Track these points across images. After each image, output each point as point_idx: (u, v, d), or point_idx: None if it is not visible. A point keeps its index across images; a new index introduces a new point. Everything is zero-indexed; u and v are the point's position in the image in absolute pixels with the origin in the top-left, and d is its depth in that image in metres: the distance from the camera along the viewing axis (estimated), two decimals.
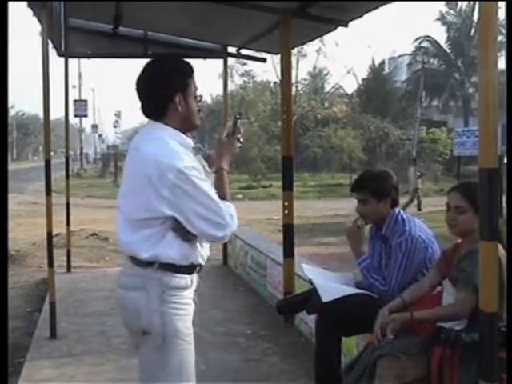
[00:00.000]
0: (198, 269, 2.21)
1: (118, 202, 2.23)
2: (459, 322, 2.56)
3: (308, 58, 40.34)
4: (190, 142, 2.23)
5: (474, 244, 2.62)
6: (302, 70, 55.27)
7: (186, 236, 2.12)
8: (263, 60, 7.83)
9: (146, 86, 2.21)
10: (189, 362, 2.18)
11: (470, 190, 2.70)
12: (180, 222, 2.08)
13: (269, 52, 6.98)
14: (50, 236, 4.71)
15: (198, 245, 2.17)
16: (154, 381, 2.19)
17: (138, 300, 2.11)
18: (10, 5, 3.02)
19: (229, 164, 2.30)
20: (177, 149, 2.11)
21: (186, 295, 2.16)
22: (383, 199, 3.20)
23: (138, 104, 2.29)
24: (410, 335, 2.66)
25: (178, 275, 2.13)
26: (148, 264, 2.10)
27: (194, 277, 2.20)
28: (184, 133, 2.22)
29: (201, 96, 2.28)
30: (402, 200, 14.85)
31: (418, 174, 17.39)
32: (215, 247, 8.03)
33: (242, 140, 2.34)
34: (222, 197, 2.15)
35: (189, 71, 2.24)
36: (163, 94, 2.17)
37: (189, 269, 2.16)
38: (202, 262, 2.21)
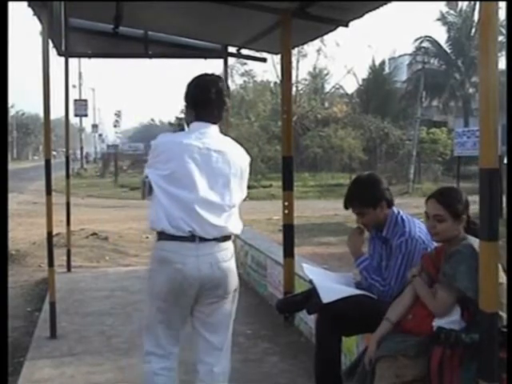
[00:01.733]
0: None
1: (205, 197, 2.65)
2: (459, 322, 2.56)
3: (308, 58, 40.13)
4: None
5: (455, 247, 2.63)
6: (302, 70, 55.10)
7: None
8: (263, 60, 7.82)
9: (224, 97, 2.76)
10: None
11: (447, 198, 2.71)
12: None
13: (269, 52, 6.97)
14: (50, 235, 4.71)
15: None
16: (231, 323, 2.86)
17: (234, 265, 2.79)
18: (10, 4, 3.03)
19: None
20: None
21: None
22: (378, 205, 3.18)
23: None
24: (408, 336, 2.66)
25: None
26: (230, 237, 2.76)
27: None
28: None
29: None
30: (401, 200, 14.86)
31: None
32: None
33: None
34: None
35: None
36: (227, 104, 2.80)
37: None
38: None
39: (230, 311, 2.82)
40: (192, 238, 2.63)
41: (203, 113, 2.72)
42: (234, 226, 2.75)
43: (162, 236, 2.67)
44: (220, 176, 2.69)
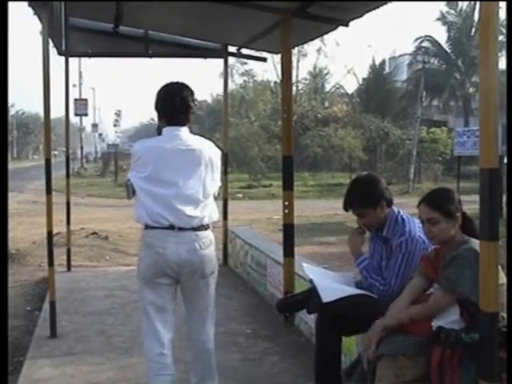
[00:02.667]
0: None
1: (181, 192, 3.00)
2: (459, 321, 2.56)
3: (308, 57, 40.24)
4: None
5: (456, 250, 2.62)
6: (302, 70, 55.14)
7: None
8: (264, 59, 7.82)
9: (188, 102, 3.11)
10: None
11: (436, 200, 2.72)
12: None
13: (269, 51, 6.97)
14: (50, 235, 4.71)
15: None
16: (214, 300, 3.24)
17: (212, 251, 3.12)
18: (11, 4, 3.03)
19: None
20: None
21: None
22: (378, 205, 3.18)
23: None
24: (408, 336, 2.66)
25: None
26: (209, 226, 3.10)
27: None
28: None
29: None
30: (401, 200, 14.84)
31: None
32: (215, 247, 7.99)
33: None
34: None
35: None
36: (192, 108, 3.14)
37: None
38: None
39: (210, 290, 3.20)
40: (172, 227, 3.00)
41: (172, 118, 3.09)
42: (210, 214, 3.12)
43: (147, 226, 3.06)
44: (193, 172, 3.06)
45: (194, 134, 3.20)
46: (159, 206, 3.00)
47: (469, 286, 2.48)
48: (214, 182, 3.14)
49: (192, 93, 3.14)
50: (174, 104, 3.07)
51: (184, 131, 3.10)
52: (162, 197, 3.01)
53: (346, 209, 3.26)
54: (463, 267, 2.53)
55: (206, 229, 3.09)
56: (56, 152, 61.61)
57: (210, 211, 3.11)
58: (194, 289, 3.14)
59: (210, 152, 3.13)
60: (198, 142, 3.12)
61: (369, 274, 3.19)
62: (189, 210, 3.01)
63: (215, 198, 3.19)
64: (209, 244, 3.10)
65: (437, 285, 2.74)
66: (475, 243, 2.53)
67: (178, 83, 3.15)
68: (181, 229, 3.00)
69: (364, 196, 3.18)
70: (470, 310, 2.53)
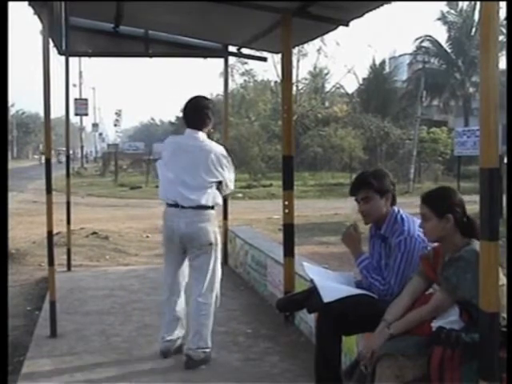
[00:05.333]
0: None
1: (182, 179, 3.94)
2: (459, 322, 2.56)
3: (309, 57, 40.35)
4: None
5: (458, 251, 2.61)
6: (302, 70, 55.24)
7: (219, 190, 4.09)
8: (264, 59, 7.81)
9: (202, 110, 4.08)
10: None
11: (429, 197, 2.75)
12: (220, 183, 4.06)
13: (269, 51, 6.97)
14: (50, 234, 4.70)
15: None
16: (212, 270, 4.09)
17: (208, 226, 4.01)
18: (11, 4, 3.03)
19: None
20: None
21: None
22: (385, 195, 3.21)
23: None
24: (408, 336, 2.66)
25: (215, 211, 4.08)
26: (209, 207, 3.99)
27: None
28: None
29: None
30: (401, 200, 14.85)
31: None
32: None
33: None
34: None
35: None
36: (210, 117, 4.12)
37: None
38: None
39: (209, 259, 4.05)
40: (177, 205, 3.98)
41: (192, 123, 4.08)
42: (207, 199, 3.98)
43: (165, 204, 4.07)
44: (198, 164, 3.97)
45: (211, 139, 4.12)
46: (170, 187, 3.99)
47: (471, 289, 2.46)
48: (214, 175, 4.00)
49: (210, 105, 4.12)
50: (196, 113, 4.06)
51: (200, 134, 4.05)
52: (172, 181, 3.98)
53: (352, 191, 3.28)
54: (465, 270, 2.52)
55: (205, 208, 3.97)
56: (58, 152, 61.54)
57: (207, 197, 3.97)
58: (194, 255, 4.05)
59: (217, 151, 4.03)
60: (209, 143, 4.05)
61: (369, 274, 3.19)
62: (188, 194, 3.93)
63: (221, 190, 4.09)
64: (206, 220, 3.99)
65: (436, 285, 2.74)
66: (477, 245, 2.52)
67: (198, 96, 4.14)
68: (183, 207, 3.94)
69: (374, 180, 3.22)
70: (469, 311, 2.52)
